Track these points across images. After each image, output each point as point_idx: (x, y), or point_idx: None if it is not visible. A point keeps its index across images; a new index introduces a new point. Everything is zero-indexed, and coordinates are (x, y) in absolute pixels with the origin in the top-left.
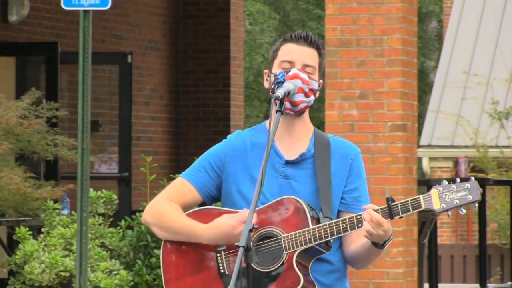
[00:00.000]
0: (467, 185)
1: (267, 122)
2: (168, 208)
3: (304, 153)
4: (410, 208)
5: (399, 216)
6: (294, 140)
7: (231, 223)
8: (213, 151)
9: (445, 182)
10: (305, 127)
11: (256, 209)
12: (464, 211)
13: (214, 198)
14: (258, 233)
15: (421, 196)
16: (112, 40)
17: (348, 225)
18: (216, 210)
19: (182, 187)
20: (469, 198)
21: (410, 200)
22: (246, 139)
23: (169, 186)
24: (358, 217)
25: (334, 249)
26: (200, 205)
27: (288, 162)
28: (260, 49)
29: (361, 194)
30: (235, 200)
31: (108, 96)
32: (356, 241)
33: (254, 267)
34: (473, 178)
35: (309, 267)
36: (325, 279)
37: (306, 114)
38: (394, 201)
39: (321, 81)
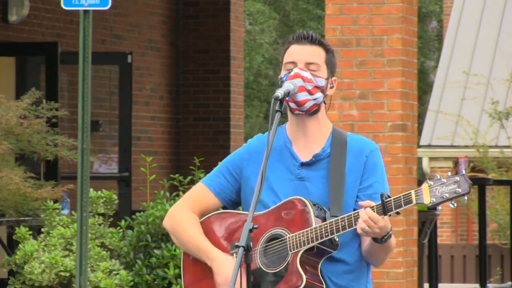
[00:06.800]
0: (456, 178)
1: (287, 125)
2: (184, 220)
3: (318, 153)
4: (402, 204)
5: (394, 212)
6: (310, 141)
7: (218, 281)
8: (231, 156)
9: (437, 176)
10: (321, 126)
11: (266, 210)
12: (455, 204)
13: (234, 202)
14: (266, 234)
15: (412, 191)
16: (112, 40)
17: (346, 223)
18: (227, 214)
19: (201, 193)
20: (458, 191)
21: (403, 195)
22: (264, 141)
23: (189, 191)
24: (356, 214)
25: (353, 249)
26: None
27: (303, 164)
28: (260, 49)
29: (376, 191)
30: (251, 203)
31: (108, 96)
32: (365, 238)
33: (262, 268)
34: (463, 171)
35: (319, 267)
36: (340, 280)
37: (321, 113)
38: (389, 197)
39: (334, 78)
